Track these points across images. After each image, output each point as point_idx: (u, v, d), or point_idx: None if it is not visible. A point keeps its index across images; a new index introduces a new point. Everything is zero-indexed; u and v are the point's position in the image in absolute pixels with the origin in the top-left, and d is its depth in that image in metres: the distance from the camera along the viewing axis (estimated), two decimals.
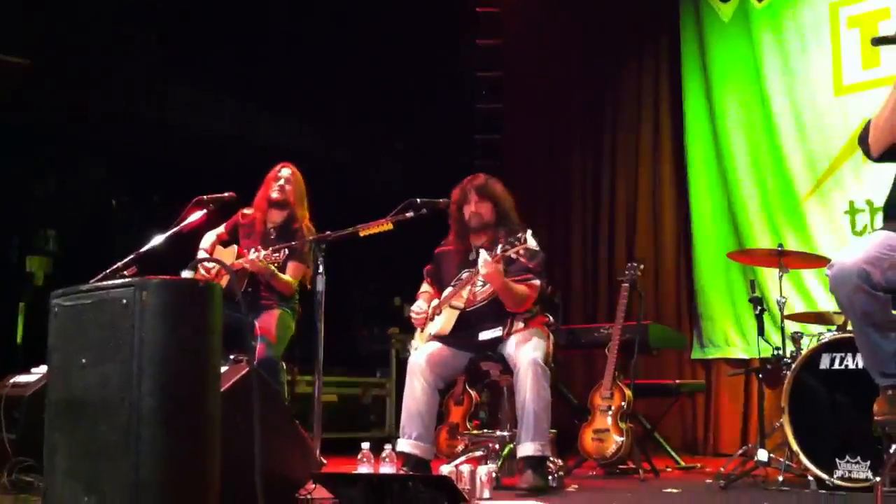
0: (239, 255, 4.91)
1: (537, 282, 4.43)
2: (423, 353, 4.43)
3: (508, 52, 8.64)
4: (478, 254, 4.45)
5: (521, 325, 4.38)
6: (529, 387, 4.10)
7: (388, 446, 4.05)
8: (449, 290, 4.55)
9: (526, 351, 4.19)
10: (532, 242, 4.36)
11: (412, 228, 4.51)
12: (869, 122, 3.11)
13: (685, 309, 7.25)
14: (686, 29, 7.42)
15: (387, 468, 4.01)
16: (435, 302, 4.63)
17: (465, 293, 4.47)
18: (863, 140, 3.16)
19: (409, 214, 4.42)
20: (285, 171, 5.01)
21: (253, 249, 4.64)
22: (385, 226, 4.45)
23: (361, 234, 4.45)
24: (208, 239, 5.03)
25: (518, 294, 4.32)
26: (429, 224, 4.65)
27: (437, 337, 4.50)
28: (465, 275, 4.51)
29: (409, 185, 8.13)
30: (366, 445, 4.04)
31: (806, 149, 6.56)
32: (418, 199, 4.42)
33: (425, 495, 3.55)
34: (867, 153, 3.14)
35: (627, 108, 7.81)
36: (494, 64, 8.63)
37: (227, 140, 7.40)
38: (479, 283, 4.44)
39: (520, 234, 4.15)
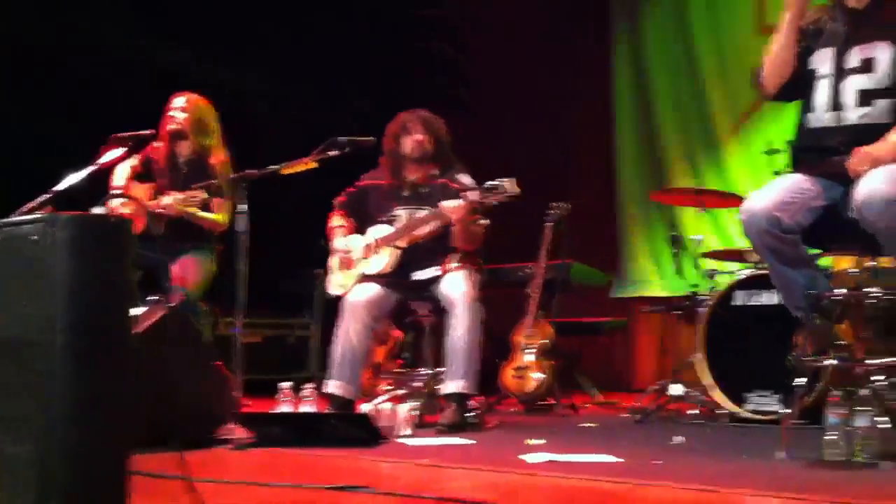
0: (157, 191, 4.79)
1: (486, 221, 4.45)
2: (361, 294, 4.36)
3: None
4: (413, 190, 4.46)
5: (455, 264, 4.38)
6: (464, 325, 4.12)
7: (308, 385, 4.06)
8: (385, 227, 4.48)
9: (462, 289, 4.20)
10: (469, 180, 4.38)
11: (337, 167, 4.46)
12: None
13: (608, 248, 7.35)
14: None
15: (307, 407, 4.02)
16: (362, 238, 4.57)
17: (408, 233, 4.44)
18: (756, 79, 3.24)
19: (333, 153, 4.36)
20: (178, 101, 4.79)
21: (166, 195, 4.56)
22: (309, 164, 4.38)
23: (284, 172, 4.38)
24: (121, 173, 4.84)
25: (473, 232, 4.34)
26: (354, 162, 4.60)
27: (370, 276, 4.47)
28: (400, 212, 4.46)
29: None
30: (286, 384, 4.03)
31: (727, 89, 6.67)
32: (340, 138, 4.36)
33: (345, 433, 3.58)
34: (762, 93, 3.23)
35: (555, 48, 7.79)
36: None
37: (154, 73, 7.15)
38: (421, 218, 4.44)
39: (498, 183, 4.12)
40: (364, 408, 4.12)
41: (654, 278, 6.91)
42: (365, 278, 4.44)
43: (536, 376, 5.10)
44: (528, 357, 5.16)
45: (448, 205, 4.21)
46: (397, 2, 7.82)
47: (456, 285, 4.23)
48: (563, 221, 5.43)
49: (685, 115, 6.87)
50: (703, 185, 5.34)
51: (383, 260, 4.43)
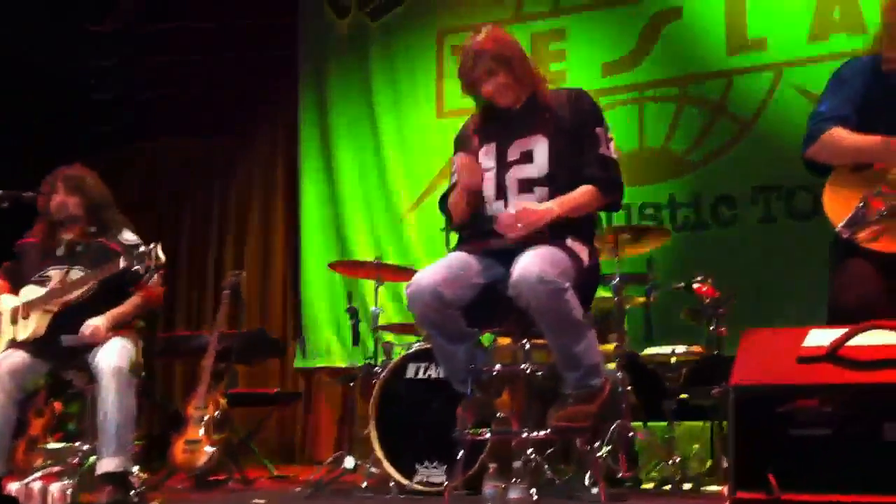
0: None
1: (160, 289, 4.27)
2: (3, 362, 4.03)
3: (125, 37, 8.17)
4: (67, 249, 4.19)
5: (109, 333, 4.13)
6: (112, 397, 3.87)
7: None
8: (36, 288, 4.17)
9: (110, 358, 3.94)
10: (132, 237, 4.19)
11: None
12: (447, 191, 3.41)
13: (291, 317, 7.32)
14: (306, 39, 7.52)
15: None
16: (13, 299, 4.23)
17: (59, 295, 4.15)
18: (444, 208, 3.43)
19: None
20: None
21: None
22: None
23: None
24: None
25: (130, 311, 4.14)
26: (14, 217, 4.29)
27: (17, 342, 4.13)
28: (52, 271, 4.16)
29: None
30: None
31: (409, 167, 6.91)
32: None
33: None
34: (449, 223, 3.43)
35: (242, 114, 7.74)
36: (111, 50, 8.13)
37: None
38: (74, 280, 4.16)
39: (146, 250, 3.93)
40: (13, 487, 3.78)
41: (335, 349, 6.93)
42: (13, 344, 4.10)
43: (207, 450, 4.92)
44: (200, 430, 4.98)
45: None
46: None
47: (107, 354, 3.97)
48: (241, 289, 5.33)
49: (368, 188, 7.05)
50: (383, 258, 5.44)
51: (31, 326, 4.11)
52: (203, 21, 7.52)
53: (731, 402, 1.76)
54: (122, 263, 3.88)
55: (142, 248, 3.87)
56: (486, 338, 3.97)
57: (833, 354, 1.80)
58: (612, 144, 3.26)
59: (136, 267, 3.87)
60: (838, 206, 2.77)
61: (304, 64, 7.50)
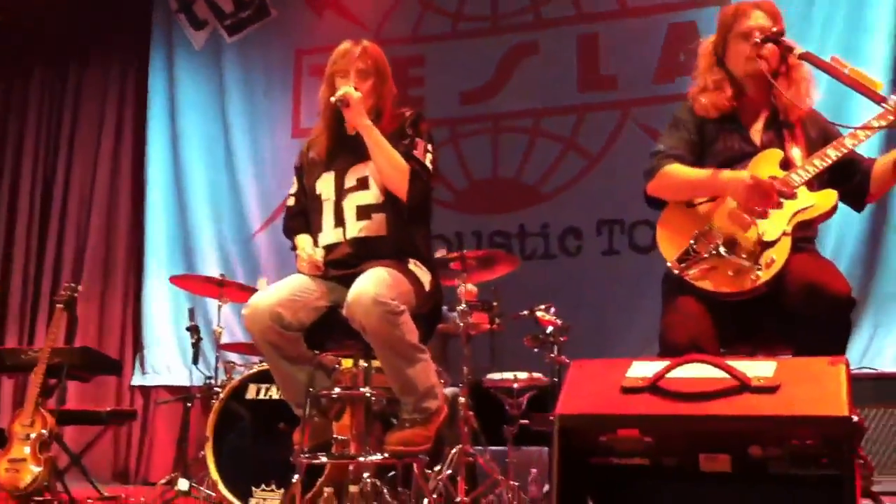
0: None
1: None
2: None
3: None
4: None
5: None
6: None
7: None
8: None
9: None
10: None
11: None
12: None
13: (130, 333, 7.07)
14: (156, 50, 7.35)
15: None
16: None
17: None
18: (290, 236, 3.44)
19: None
20: None
21: None
22: None
23: None
24: None
25: None
26: None
27: None
28: None
29: None
30: None
31: (261, 185, 6.82)
32: None
33: None
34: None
35: (88, 123, 7.47)
36: None
37: None
38: None
39: None
40: None
41: (176, 367, 6.74)
42: None
43: (33, 469, 4.68)
44: (25, 448, 4.73)
45: None
46: None
47: None
48: (75, 303, 5.10)
49: (219, 205, 6.92)
50: (233, 276, 5.32)
51: None
52: None
53: (556, 430, 1.79)
54: None
55: None
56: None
57: (655, 385, 1.85)
58: (429, 157, 3.22)
59: None
60: (671, 241, 2.86)
61: (154, 75, 7.31)
